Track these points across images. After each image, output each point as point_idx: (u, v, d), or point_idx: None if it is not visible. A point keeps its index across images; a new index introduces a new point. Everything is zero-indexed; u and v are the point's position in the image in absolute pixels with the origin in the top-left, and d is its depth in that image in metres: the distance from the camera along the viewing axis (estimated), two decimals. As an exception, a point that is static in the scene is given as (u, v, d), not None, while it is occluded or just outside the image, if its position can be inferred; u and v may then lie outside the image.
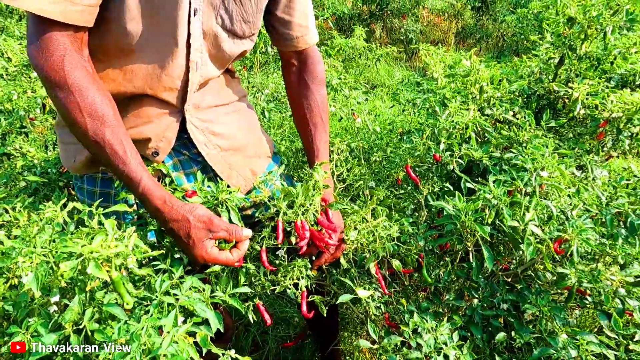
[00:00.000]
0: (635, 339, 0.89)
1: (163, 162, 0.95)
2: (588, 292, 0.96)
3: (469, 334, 0.94)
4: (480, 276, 1.04)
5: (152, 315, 0.59)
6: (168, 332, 0.57)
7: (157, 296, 0.64)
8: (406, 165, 1.27)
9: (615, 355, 0.86)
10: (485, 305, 1.02)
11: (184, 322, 0.63)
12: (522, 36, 2.99)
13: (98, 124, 0.75)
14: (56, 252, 0.54)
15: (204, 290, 0.73)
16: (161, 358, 0.54)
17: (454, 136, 1.27)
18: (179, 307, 0.65)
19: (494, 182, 1.03)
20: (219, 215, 0.82)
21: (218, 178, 1.01)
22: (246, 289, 0.79)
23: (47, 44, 0.72)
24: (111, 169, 0.78)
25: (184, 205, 0.77)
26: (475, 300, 1.04)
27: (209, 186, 0.86)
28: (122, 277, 0.55)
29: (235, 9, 0.88)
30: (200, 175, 0.91)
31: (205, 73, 0.92)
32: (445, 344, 0.82)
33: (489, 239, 0.88)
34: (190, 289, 0.71)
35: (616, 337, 0.91)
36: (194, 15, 0.84)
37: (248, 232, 0.81)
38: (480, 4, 4.32)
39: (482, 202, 0.95)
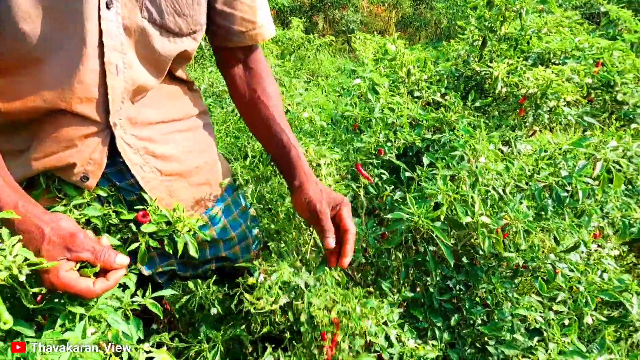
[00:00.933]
0: (557, 300, 0.95)
1: (97, 185, 0.81)
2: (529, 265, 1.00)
3: (427, 324, 0.94)
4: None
5: (55, 329, 0.55)
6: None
7: (65, 307, 0.61)
8: (357, 164, 1.26)
9: (543, 316, 0.91)
10: (440, 288, 1.03)
11: (101, 332, 0.60)
12: (454, 22, 3.11)
13: None
14: None
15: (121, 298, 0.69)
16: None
17: (390, 126, 1.29)
18: (90, 318, 0.61)
19: (429, 169, 1.05)
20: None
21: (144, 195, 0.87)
22: (170, 291, 0.76)
23: None
24: None
25: (43, 214, 0.64)
26: (431, 287, 1.05)
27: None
28: None
29: (163, 0, 0.76)
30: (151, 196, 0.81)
31: (132, 78, 0.78)
32: (386, 324, 0.83)
33: (446, 240, 0.88)
34: (106, 298, 0.67)
35: (541, 299, 0.96)
36: (107, 8, 0.71)
37: (123, 260, 0.66)
38: (416, -7, 4.44)
39: (433, 200, 0.94)
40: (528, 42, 1.54)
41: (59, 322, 0.59)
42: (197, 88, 1.02)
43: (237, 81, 0.97)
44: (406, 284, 1.13)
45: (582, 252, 0.95)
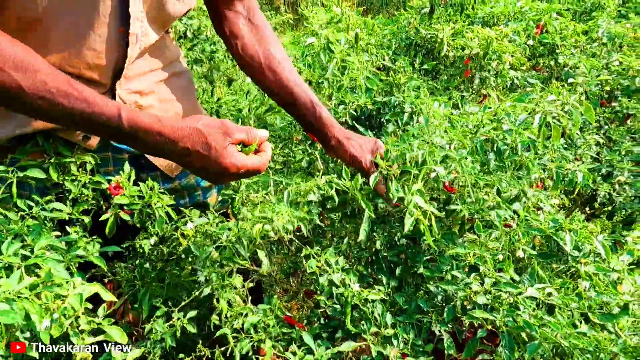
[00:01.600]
0: (491, 237, 0.98)
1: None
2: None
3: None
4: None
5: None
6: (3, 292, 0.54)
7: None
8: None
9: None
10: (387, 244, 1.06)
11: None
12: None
13: (32, 75, 0.59)
14: None
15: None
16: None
17: (344, 88, 1.31)
18: (28, 268, 0.61)
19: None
20: None
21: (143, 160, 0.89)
22: (115, 248, 0.76)
23: None
24: (71, 122, 0.63)
25: (183, 120, 0.66)
26: (378, 243, 1.07)
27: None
28: None
29: None
30: (128, 167, 0.81)
31: (145, 44, 0.78)
32: (330, 265, 0.85)
33: (373, 215, 0.90)
34: (47, 250, 0.67)
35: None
36: None
37: (265, 133, 0.70)
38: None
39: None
40: (473, 7, 1.59)
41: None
42: (170, 31, 1.00)
43: (247, 43, 0.91)
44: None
45: (524, 202, 1.00)
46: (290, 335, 0.86)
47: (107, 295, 0.59)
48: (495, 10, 1.56)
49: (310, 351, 0.79)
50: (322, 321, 0.93)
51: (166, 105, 0.90)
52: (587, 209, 1.54)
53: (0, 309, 0.52)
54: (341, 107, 1.32)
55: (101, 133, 0.67)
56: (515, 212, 0.97)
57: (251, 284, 0.86)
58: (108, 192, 0.80)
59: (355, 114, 1.32)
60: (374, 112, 1.40)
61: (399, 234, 1.05)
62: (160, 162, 0.91)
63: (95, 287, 0.54)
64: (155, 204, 0.80)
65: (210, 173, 0.67)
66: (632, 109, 1.40)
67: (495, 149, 1.10)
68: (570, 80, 1.34)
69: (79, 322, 0.57)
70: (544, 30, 1.58)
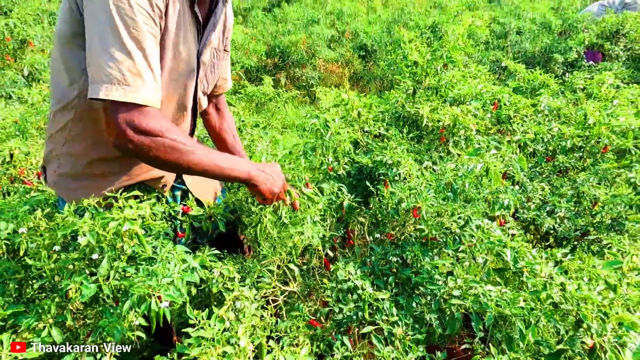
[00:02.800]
0: (459, 250, 1.38)
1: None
2: (437, 237, 1.45)
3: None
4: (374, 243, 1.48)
5: (160, 264, 0.94)
6: (167, 270, 0.92)
7: (163, 254, 0.99)
8: (306, 184, 1.69)
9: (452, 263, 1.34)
10: (382, 260, 1.46)
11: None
12: (394, 76, 3.76)
13: (206, 153, 1.02)
14: (103, 219, 0.86)
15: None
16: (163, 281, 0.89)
17: (337, 150, 1.76)
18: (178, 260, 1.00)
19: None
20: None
21: (190, 194, 1.35)
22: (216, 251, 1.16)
23: (155, 121, 0.93)
24: (213, 176, 1.05)
25: (264, 165, 1.16)
26: (373, 258, 1.48)
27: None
28: (143, 235, 0.88)
29: (211, 78, 1.28)
30: (191, 196, 1.29)
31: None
32: (351, 274, 1.24)
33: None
34: (181, 252, 1.05)
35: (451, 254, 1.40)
36: (203, 94, 1.25)
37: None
38: (364, 53, 5.16)
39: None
40: (445, 90, 2.10)
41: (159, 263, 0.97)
42: None
43: (211, 120, 1.54)
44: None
45: (479, 225, 1.42)
46: (315, 333, 1.22)
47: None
48: (461, 92, 2.07)
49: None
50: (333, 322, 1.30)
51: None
52: (545, 242, 1.95)
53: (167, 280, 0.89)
54: (335, 163, 1.76)
55: (228, 181, 1.14)
56: (473, 233, 1.38)
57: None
58: (182, 211, 1.21)
59: (353, 170, 1.75)
60: (373, 168, 1.84)
61: (391, 254, 1.45)
62: (202, 196, 1.37)
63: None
64: (216, 214, 1.20)
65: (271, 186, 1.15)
66: (566, 163, 1.86)
67: (451, 189, 1.54)
68: (517, 137, 1.81)
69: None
70: (499, 106, 2.09)
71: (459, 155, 2.19)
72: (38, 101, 2.72)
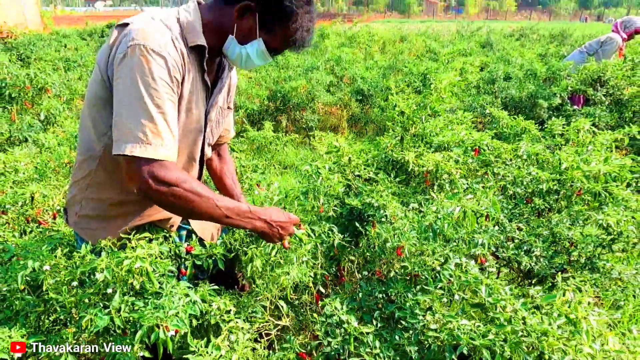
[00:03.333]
0: (439, 287, 1.50)
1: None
2: (419, 274, 1.58)
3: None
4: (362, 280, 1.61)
5: (166, 297, 1.07)
6: (172, 302, 1.05)
7: (168, 289, 1.12)
8: (299, 225, 1.84)
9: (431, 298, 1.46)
10: (369, 296, 1.58)
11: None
12: (386, 122, 4.00)
13: (217, 204, 1.17)
14: (117, 257, 1.00)
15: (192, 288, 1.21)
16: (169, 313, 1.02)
17: (328, 193, 1.91)
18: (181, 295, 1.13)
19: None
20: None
21: (194, 234, 1.50)
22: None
23: (172, 173, 1.08)
24: (218, 221, 1.18)
25: (270, 210, 1.31)
26: (360, 294, 1.60)
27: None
28: (152, 272, 1.02)
29: (216, 132, 1.46)
30: (194, 237, 1.43)
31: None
32: (337, 309, 1.35)
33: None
34: (184, 288, 1.18)
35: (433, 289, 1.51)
36: (209, 145, 1.42)
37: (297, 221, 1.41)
38: (362, 97, 5.44)
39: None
40: (429, 137, 2.28)
41: (164, 297, 1.10)
42: None
43: (213, 164, 1.72)
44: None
45: (458, 263, 1.54)
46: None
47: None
48: (445, 139, 2.25)
49: None
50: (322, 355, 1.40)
51: None
52: (527, 279, 2.06)
53: (173, 312, 1.02)
54: (325, 205, 1.91)
55: (233, 225, 1.27)
56: (452, 273, 1.50)
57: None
58: (186, 250, 1.34)
59: (344, 211, 1.90)
60: (362, 210, 1.99)
61: (377, 290, 1.57)
62: (205, 236, 1.51)
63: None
64: (216, 253, 1.34)
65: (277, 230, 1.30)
66: (542, 205, 2.00)
67: (431, 230, 1.68)
68: (502, 183, 1.96)
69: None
70: (480, 152, 2.26)
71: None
72: (54, 145, 2.91)
